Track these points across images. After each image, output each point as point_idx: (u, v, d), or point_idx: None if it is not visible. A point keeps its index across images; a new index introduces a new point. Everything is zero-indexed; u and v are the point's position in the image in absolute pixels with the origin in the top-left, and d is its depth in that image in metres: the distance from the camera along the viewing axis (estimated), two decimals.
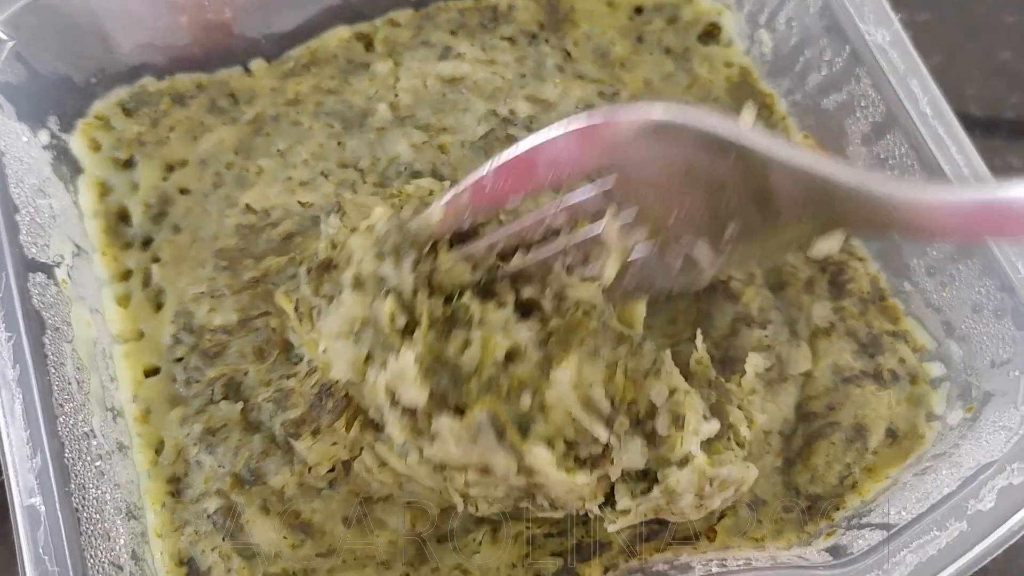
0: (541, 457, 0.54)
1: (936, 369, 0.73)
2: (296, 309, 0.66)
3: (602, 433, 0.56)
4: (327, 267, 0.64)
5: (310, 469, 0.66)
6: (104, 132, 0.79)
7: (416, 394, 0.54)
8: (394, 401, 0.55)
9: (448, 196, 0.57)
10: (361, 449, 0.65)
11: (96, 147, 0.79)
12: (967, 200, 0.44)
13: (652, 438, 0.58)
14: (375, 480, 0.67)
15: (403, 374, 0.54)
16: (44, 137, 0.76)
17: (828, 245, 0.52)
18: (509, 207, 0.58)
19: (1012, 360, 0.66)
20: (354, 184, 0.77)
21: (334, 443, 0.65)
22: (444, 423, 0.54)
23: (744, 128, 0.50)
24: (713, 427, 0.60)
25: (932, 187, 0.46)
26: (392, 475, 0.66)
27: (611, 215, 0.57)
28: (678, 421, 0.57)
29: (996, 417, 0.66)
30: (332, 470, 0.67)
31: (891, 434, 0.72)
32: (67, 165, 0.77)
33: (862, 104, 0.73)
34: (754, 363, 0.71)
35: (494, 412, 0.54)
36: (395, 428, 0.56)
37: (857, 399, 0.72)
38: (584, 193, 0.57)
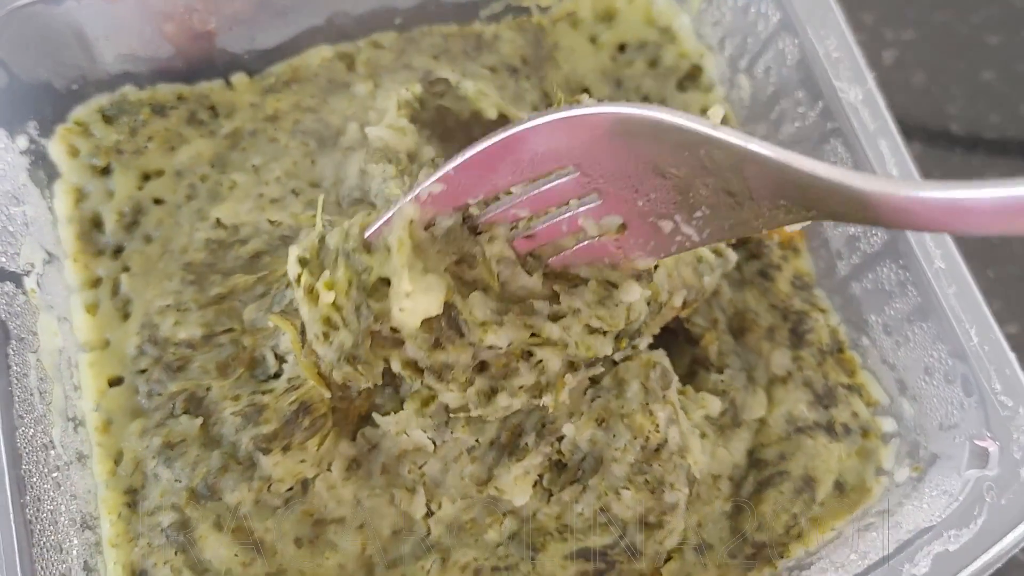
0: None
1: (888, 424, 0.74)
2: (301, 332, 0.66)
3: None
4: None
5: (270, 486, 0.67)
6: (83, 138, 0.80)
7: None
8: None
9: (421, 186, 0.57)
10: (329, 465, 0.67)
11: (74, 153, 0.79)
12: (935, 197, 0.45)
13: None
14: (333, 499, 0.68)
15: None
16: (22, 142, 0.76)
17: (799, 224, 0.54)
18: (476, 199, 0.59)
19: (959, 426, 0.67)
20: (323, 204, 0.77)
21: (302, 460, 0.67)
22: None
23: (716, 124, 0.51)
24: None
25: (903, 184, 0.47)
26: (351, 492, 0.68)
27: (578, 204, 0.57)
28: None
29: (940, 480, 0.67)
30: (291, 488, 0.68)
31: (839, 487, 0.73)
32: (44, 170, 0.78)
33: (831, 160, 0.74)
34: (707, 405, 0.73)
35: None
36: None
37: (808, 450, 0.73)
38: (553, 183, 0.57)
